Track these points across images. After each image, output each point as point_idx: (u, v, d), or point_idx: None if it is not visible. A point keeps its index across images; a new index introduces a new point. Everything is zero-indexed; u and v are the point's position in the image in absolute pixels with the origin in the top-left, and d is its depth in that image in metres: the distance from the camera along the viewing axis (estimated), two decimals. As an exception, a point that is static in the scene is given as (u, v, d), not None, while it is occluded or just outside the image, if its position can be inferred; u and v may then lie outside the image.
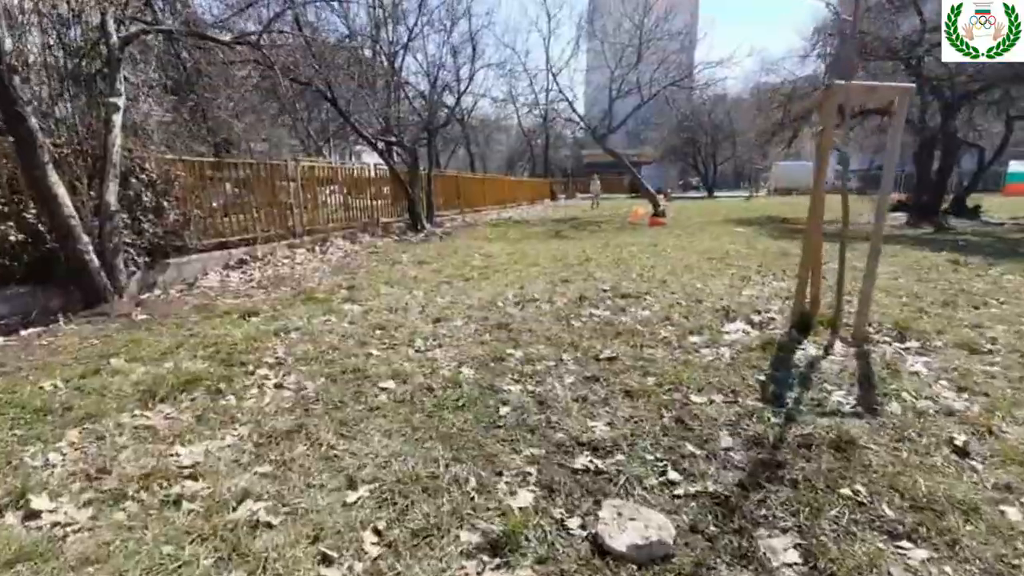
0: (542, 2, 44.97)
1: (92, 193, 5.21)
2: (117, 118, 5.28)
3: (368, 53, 17.24)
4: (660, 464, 2.16)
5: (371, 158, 14.74)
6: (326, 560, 1.66)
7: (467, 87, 16.29)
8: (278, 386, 3.08)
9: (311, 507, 1.92)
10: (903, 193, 18.68)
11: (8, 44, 4.28)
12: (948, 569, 1.58)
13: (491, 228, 13.96)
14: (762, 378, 3.00)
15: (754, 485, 2.01)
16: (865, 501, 1.91)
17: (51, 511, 1.96)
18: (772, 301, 4.70)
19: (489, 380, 3.05)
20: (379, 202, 12.59)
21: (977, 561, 1.61)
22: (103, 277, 4.93)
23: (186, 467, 2.22)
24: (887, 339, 3.69)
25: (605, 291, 5.27)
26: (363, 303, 5.07)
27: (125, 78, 5.55)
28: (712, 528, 1.78)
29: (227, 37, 6.28)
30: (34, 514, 1.94)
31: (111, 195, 5.15)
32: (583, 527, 1.79)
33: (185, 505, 1.96)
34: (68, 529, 1.86)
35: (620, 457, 2.21)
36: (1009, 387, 2.83)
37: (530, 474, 2.11)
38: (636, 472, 2.09)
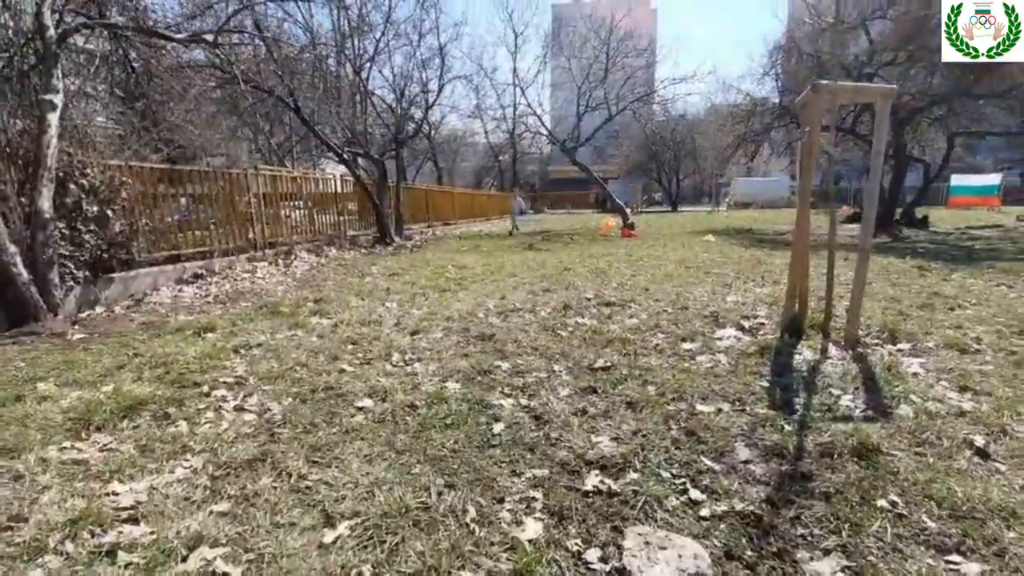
0: (507, 19, 45.87)
1: (23, 200, 4.71)
2: (53, 117, 4.81)
3: (333, 64, 16.88)
4: (678, 482, 1.94)
5: (337, 172, 14.30)
6: (301, 617, 1.36)
7: (435, 99, 16.12)
8: (238, 408, 2.73)
9: (280, 551, 1.60)
10: (855, 207, 19.53)
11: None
12: (1012, 588, 1.41)
13: (462, 240, 13.70)
14: (766, 384, 2.85)
15: (784, 501, 1.81)
16: (904, 513, 1.74)
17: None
18: (758, 307, 4.61)
19: (478, 395, 2.78)
20: (346, 215, 12.18)
21: (995, 534, 1.45)
22: (34, 292, 4.42)
23: (125, 508, 1.87)
24: (878, 341, 3.62)
25: (588, 300, 5.09)
26: (332, 316, 4.71)
27: (64, 76, 5.08)
28: (749, 553, 1.57)
29: (181, 36, 5.86)
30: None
31: (44, 201, 4.66)
32: (604, 560, 1.55)
33: (122, 556, 1.61)
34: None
35: (634, 476, 1.98)
36: (1006, 386, 2.76)
37: (535, 499, 1.85)
38: (654, 492, 1.87)
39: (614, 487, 1.91)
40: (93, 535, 1.74)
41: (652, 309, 4.65)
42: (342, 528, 1.71)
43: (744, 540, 1.63)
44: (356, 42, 18.77)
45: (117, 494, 1.96)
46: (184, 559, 1.59)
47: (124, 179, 5.98)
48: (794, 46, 14.09)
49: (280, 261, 8.51)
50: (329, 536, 1.67)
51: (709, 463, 2.07)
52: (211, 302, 5.79)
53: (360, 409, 2.66)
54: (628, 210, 17.91)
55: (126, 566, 1.57)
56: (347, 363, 3.38)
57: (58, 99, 4.91)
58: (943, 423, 2.34)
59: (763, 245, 10.32)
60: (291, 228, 9.93)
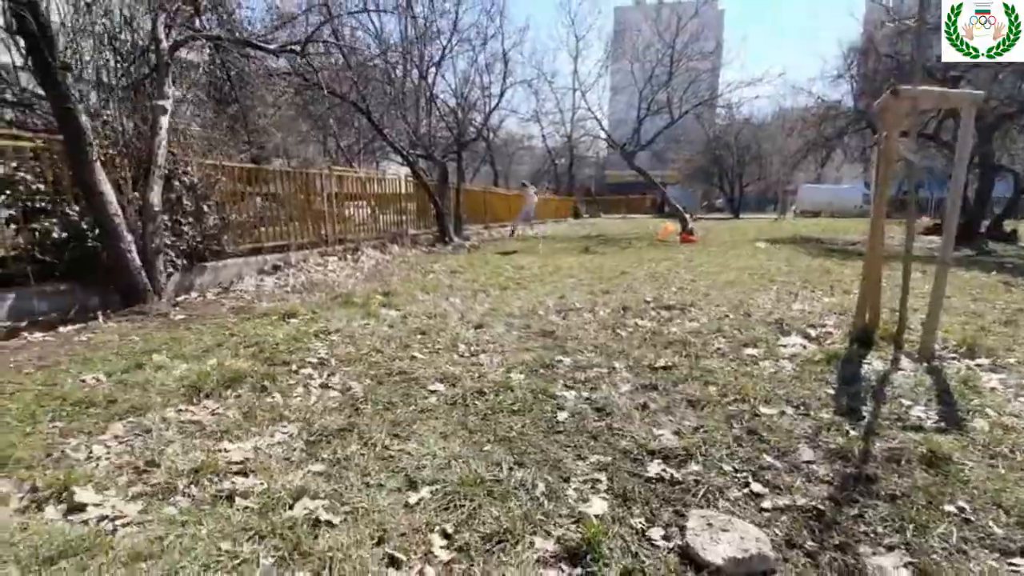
0: (570, 25, 45.88)
1: (136, 194, 5.28)
2: (164, 121, 5.38)
3: (399, 70, 17.58)
4: (740, 475, 2.01)
5: (399, 172, 14.94)
6: (394, 563, 1.55)
7: (497, 104, 16.49)
8: (324, 386, 3.01)
9: (371, 507, 1.81)
10: (936, 217, 18.20)
11: (61, 41, 4.38)
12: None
13: (518, 242, 13.92)
14: (832, 391, 2.83)
15: (847, 500, 1.84)
16: (971, 518, 1.74)
17: (97, 504, 1.88)
18: (826, 316, 4.50)
19: (541, 385, 2.93)
20: (408, 215, 12.67)
21: None
22: (143, 277, 4.96)
23: (236, 463, 2.14)
24: (954, 355, 3.47)
25: (647, 302, 5.12)
26: (400, 308, 5.00)
27: (172, 83, 5.66)
28: (810, 543, 1.62)
29: (273, 47, 6.41)
30: (79, 507, 1.86)
31: (155, 196, 5.22)
32: (666, 538, 1.65)
33: (239, 501, 1.87)
34: (117, 523, 1.78)
35: (695, 467, 2.06)
36: (1102, 407, 2.61)
37: (600, 481, 1.97)
38: (716, 483, 1.94)
39: (676, 475, 2.00)
40: (212, 483, 2.01)
41: (713, 314, 4.64)
42: (424, 492, 1.89)
43: (805, 532, 1.68)
44: (422, 48, 19.45)
45: (228, 451, 2.25)
46: (291, 507, 1.82)
47: (218, 177, 6.57)
48: (871, 47, 13.37)
49: (348, 256, 9.00)
50: (413, 497, 1.86)
51: (771, 460, 2.12)
52: (289, 291, 6.25)
53: (432, 392, 2.87)
54: (687, 216, 17.58)
55: (243, 509, 1.82)
56: (417, 351, 3.61)
57: (168, 104, 5.49)
58: (1019, 437, 2.27)
59: (832, 255, 9.88)
60: (357, 226, 10.47)
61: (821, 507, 1.80)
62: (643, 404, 2.68)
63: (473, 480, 1.95)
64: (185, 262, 6.02)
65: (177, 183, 5.86)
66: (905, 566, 1.53)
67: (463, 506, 1.80)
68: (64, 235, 4.82)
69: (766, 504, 1.82)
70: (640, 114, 18.37)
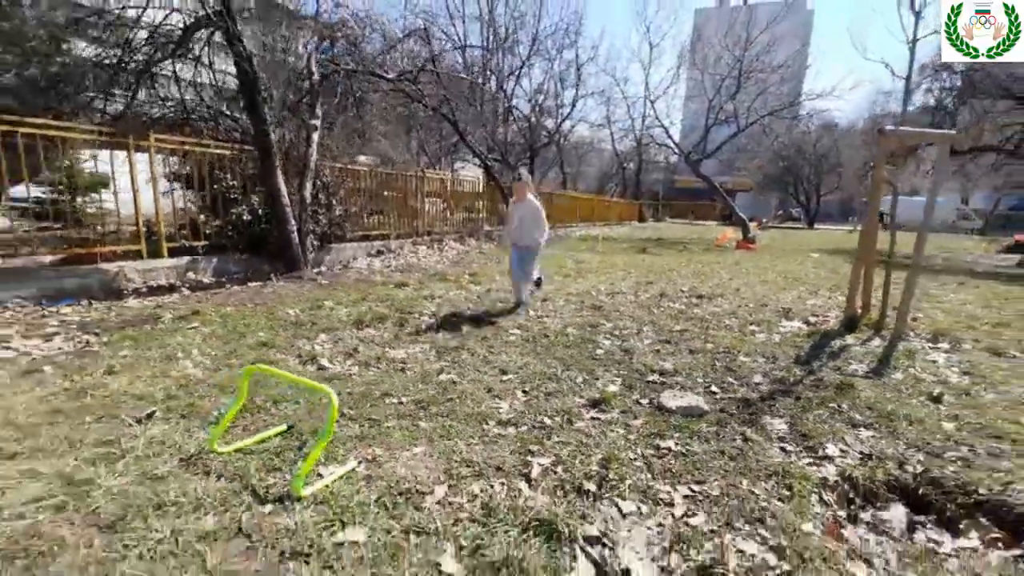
0: (645, 32, 46.38)
1: (292, 190, 7.05)
2: (315, 135, 7.12)
3: (480, 80, 19.24)
4: (705, 383, 3.20)
5: (470, 173, 16.60)
6: (496, 398, 2.90)
7: (569, 113, 17.73)
8: (439, 327, 4.44)
9: (481, 379, 3.18)
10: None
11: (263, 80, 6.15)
12: (883, 443, 2.49)
13: (581, 241, 15.11)
14: (801, 353, 3.90)
15: (769, 398, 3.00)
16: (844, 410, 2.83)
17: (332, 367, 3.37)
18: (832, 310, 5.43)
19: (587, 335, 4.21)
20: (484, 213, 14.23)
21: (903, 443, 2.51)
22: (299, 252, 6.70)
23: (399, 360, 3.58)
24: (920, 338, 4.37)
25: (683, 292, 6.24)
26: (483, 284, 6.42)
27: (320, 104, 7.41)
28: (734, 410, 2.81)
29: (391, 75, 8.10)
30: (324, 367, 3.37)
31: (307, 192, 6.97)
32: (649, 402, 2.89)
33: (407, 372, 3.29)
34: (349, 373, 3.26)
35: (679, 378, 3.28)
36: (1011, 376, 3.49)
37: (617, 380, 3.24)
38: (687, 384, 3.16)
39: (665, 380, 3.23)
40: (389, 364, 3.45)
41: (736, 303, 5.69)
42: (510, 375, 3.24)
43: (734, 407, 2.86)
44: (500, 58, 21.04)
45: (391, 352, 3.70)
46: (437, 375, 3.22)
47: (344, 178, 8.32)
48: (944, 63, 13.36)
49: (435, 245, 10.63)
50: (505, 377, 3.21)
51: (731, 380, 3.29)
52: (393, 270, 7.86)
53: (512, 334, 4.22)
54: (753, 224, 17.99)
55: (411, 373, 3.24)
56: (502, 310, 4.99)
57: (317, 122, 7.23)
58: (922, 385, 3.27)
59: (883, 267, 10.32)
60: (441, 221, 12.12)
61: (748, 399, 2.97)
62: (657, 350, 3.90)
63: (539, 373, 3.28)
64: (319, 243, 7.78)
65: (318, 182, 7.62)
66: (786, 424, 2.68)
67: (533, 382, 3.13)
68: (248, 219, 6.64)
69: (716, 394, 3.02)
70: (708, 123, 18.95)
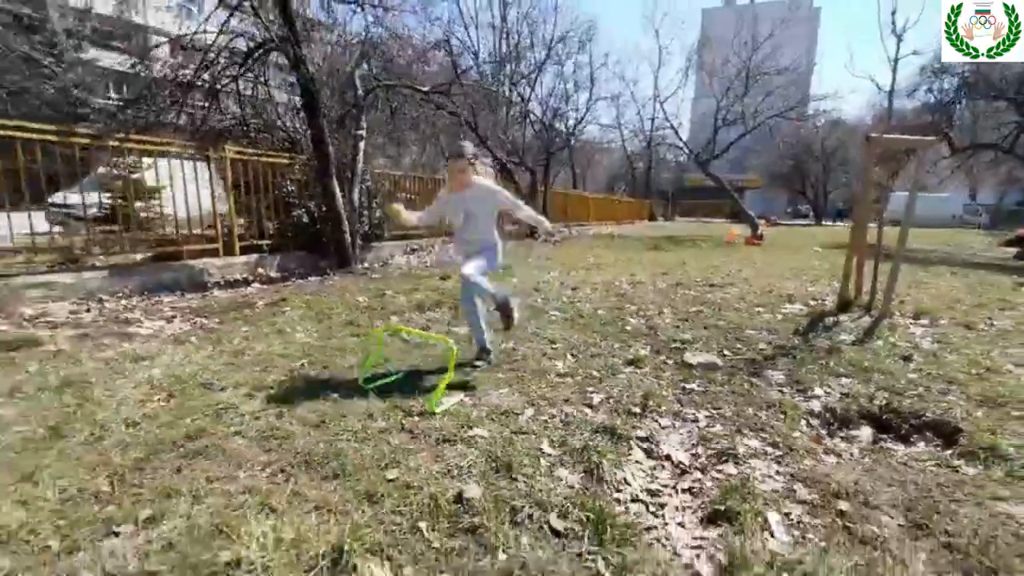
0: (654, 36, 46.94)
1: (343, 195, 7.85)
2: (361, 145, 7.92)
3: (495, 87, 20.01)
4: (719, 348, 3.93)
5: (487, 178, 17.37)
6: (552, 360, 3.64)
7: (583, 117, 18.53)
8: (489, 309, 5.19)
9: (535, 348, 3.93)
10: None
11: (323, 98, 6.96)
12: (859, 387, 3.21)
13: (596, 239, 15.84)
14: (799, 328, 4.61)
15: (770, 358, 3.72)
16: (830, 366, 3.54)
17: (414, 336, 4.13)
18: (830, 296, 6.12)
19: (617, 316, 4.95)
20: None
21: (873, 386, 3.22)
22: (349, 249, 7.49)
23: (463, 334, 4.34)
24: (904, 316, 5.06)
25: (697, 282, 6.96)
26: (516, 277, 7.18)
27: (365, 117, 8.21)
28: (742, 366, 3.54)
29: (425, 87, 8.91)
30: (405, 341, 4.13)
31: (355, 196, 7.76)
32: (675, 362, 3.63)
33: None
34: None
35: (697, 345, 4.01)
36: (977, 345, 4.17)
37: (646, 347, 3.97)
38: (705, 349, 3.89)
39: (686, 347, 3.96)
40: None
41: (744, 290, 6.40)
42: (558, 345, 3.99)
43: (743, 364, 3.59)
44: (513, 64, 21.79)
45: (456, 329, 4.45)
46: (499, 344, 3.97)
47: (383, 182, 9.12)
48: (942, 64, 13.95)
49: (462, 245, 11.40)
50: (553, 346, 3.96)
51: (739, 346, 4.01)
52: (428, 266, 8.64)
53: (552, 315, 4.97)
54: (761, 221, 18.60)
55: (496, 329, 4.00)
56: (539, 297, 5.74)
57: (363, 133, 8.03)
58: (897, 350, 3.98)
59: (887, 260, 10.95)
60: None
61: (754, 359, 3.70)
62: (676, 326, 4.63)
63: (581, 342, 4.03)
64: (362, 242, 8.57)
65: (363, 187, 8.42)
66: (783, 375, 3.41)
67: (578, 348, 3.88)
68: (305, 221, 7.45)
69: (727, 356, 3.75)
70: (716, 124, 19.61)
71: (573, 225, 20.16)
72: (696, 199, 44.18)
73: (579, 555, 1.64)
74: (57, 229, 7.37)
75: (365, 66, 8.76)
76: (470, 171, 3.37)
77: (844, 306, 5.33)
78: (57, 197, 7.45)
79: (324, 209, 7.41)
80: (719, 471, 2.21)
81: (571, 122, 19.74)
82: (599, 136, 35.78)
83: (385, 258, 9.18)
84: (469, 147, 3.44)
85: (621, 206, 28.58)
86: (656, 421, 2.66)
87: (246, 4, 6.91)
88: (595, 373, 3.37)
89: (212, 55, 7.12)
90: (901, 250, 5.02)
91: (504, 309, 3.32)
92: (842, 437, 2.68)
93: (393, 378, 3.11)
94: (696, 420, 2.70)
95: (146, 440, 2.23)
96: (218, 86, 7.10)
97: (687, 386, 3.15)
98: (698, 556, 1.68)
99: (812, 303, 5.71)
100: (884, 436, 2.74)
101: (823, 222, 34.40)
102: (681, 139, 22.43)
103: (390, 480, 1.97)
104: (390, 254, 9.42)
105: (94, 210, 7.08)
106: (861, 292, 5.51)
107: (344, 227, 7.31)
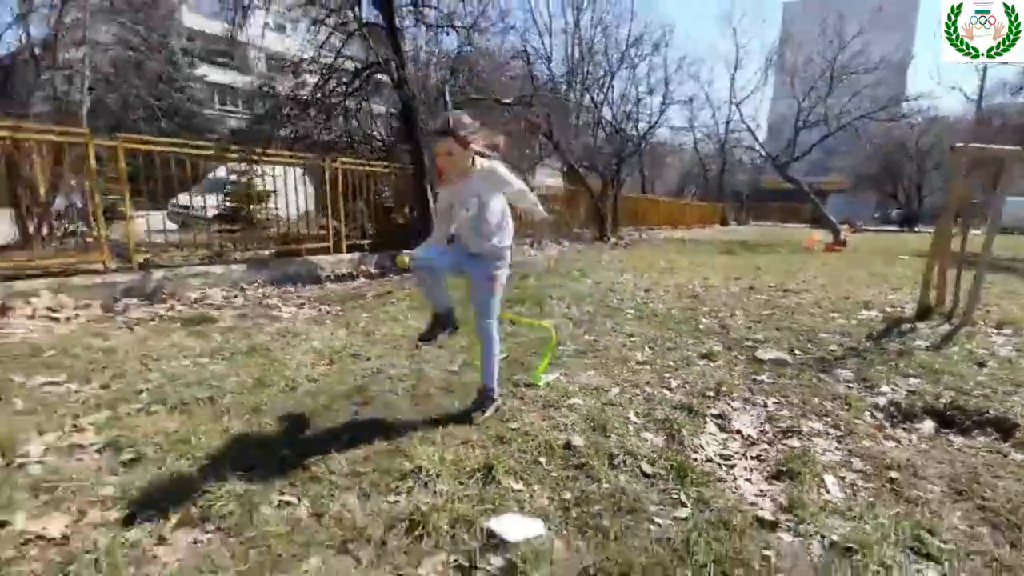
0: (732, 35, 45.42)
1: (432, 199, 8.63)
2: (451, 154, 8.67)
3: (565, 90, 20.45)
4: (790, 347, 4.22)
5: (550, 180, 17.89)
6: (631, 351, 4.10)
7: (656, 122, 18.61)
8: (569, 306, 5.71)
9: (615, 340, 4.39)
10: None
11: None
12: (926, 386, 3.42)
13: (667, 243, 15.93)
14: (873, 332, 4.77)
15: (840, 358, 3.97)
16: (900, 367, 3.75)
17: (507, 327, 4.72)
18: (910, 304, 6.11)
19: (690, 316, 5.31)
20: (573, 216, 15.47)
21: (941, 386, 3.42)
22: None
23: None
24: (988, 325, 5.04)
25: (770, 286, 7.12)
26: (590, 277, 7.65)
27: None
28: (811, 363, 3.83)
29: (508, 100, 9.58)
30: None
31: (445, 201, 8.53)
32: (747, 357, 3.97)
33: (560, 333, 4.58)
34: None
35: (769, 344, 4.32)
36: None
37: (719, 344, 4.33)
38: (774, 348, 4.20)
39: (757, 345, 4.28)
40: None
41: (819, 296, 6.50)
42: (636, 338, 4.43)
43: (811, 362, 3.88)
44: (585, 70, 22.13)
45: (543, 321, 5.00)
46: (582, 336, 4.48)
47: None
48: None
49: (536, 245, 11.99)
50: (631, 339, 4.41)
51: (811, 347, 4.28)
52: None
53: (628, 313, 5.40)
54: (844, 227, 17.84)
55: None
56: (614, 297, 6.18)
57: (452, 143, 8.77)
58: (972, 356, 4.08)
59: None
60: (537, 224, 13.46)
61: (824, 358, 3.97)
62: (749, 326, 4.93)
63: (657, 337, 4.45)
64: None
65: (449, 192, 9.19)
66: (852, 373, 3.67)
67: (655, 342, 4.31)
68: (400, 222, 8.30)
69: (797, 355, 4.04)
70: (796, 126, 18.98)
71: (642, 229, 20.24)
72: (773, 202, 42.35)
73: (665, 490, 2.13)
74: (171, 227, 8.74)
75: (453, 80, 9.53)
76: (462, 154, 2.41)
77: (923, 314, 5.37)
78: (181, 199, 8.77)
79: (416, 212, 8.22)
80: (784, 444, 2.61)
81: (642, 125, 19.84)
82: (670, 138, 35.28)
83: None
84: (462, 118, 2.42)
85: (692, 209, 28.13)
86: (728, 404, 3.07)
87: (355, 31, 7.83)
88: (671, 363, 3.79)
89: (325, 76, 8.13)
90: (986, 257, 5.02)
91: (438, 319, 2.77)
92: (904, 428, 2.96)
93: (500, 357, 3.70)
94: (765, 405, 3.08)
95: (326, 391, 2.94)
96: (331, 102, 8.07)
97: (757, 378, 3.51)
98: (762, 499, 2.11)
99: (890, 310, 5.77)
100: (946, 430, 2.99)
101: (916, 228, 31.96)
102: (758, 141, 21.84)
103: (513, 429, 2.54)
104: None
105: (213, 211, 8.31)
106: (944, 301, 5.51)
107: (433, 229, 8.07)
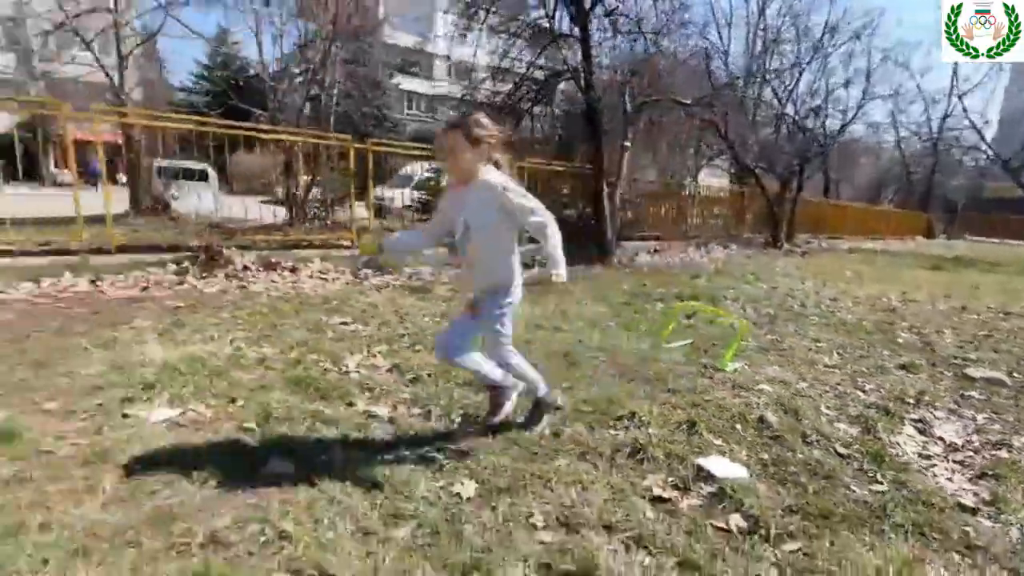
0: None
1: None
2: (627, 154, 9.06)
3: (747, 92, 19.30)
4: (1008, 370, 3.86)
5: (715, 180, 17.01)
6: (817, 354, 4.12)
7: (852, 119, 16.74)
8: (743, 307, 5.75)
9: (800, 343, 4.42)
10: None
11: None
12: None
13: (851, 254, 14.35)
14: None
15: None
16: None
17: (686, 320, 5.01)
18: None
19: (886, 328, 5.03)
20: (744, 220, 14.76)
21: None
22: (611, 244, 8.72)
23: (729, 323, 5.04)
24: None
25: (990, 307, 6.28)
26: (766, 283, 7.46)
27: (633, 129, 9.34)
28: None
29: (688, 100, 9.67)
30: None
31: (617, 199, 8.95)
32: (954, 373, 3.75)
33: (738, 331, 4.73)
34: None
35: (983, 364, 3.99)
36: None
37: (920, 359, 4.10)
38: (990, 368, 3.87)
39: (967, 364, 3.98)
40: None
41: (1057, 323, 5.60)
42: (823, 343, 4.40)
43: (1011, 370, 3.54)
44: (768, 63, 20.58)
45: (722, 318, 5.17)
46: (764, 335, 4.58)
47: (639, 189, 10.16)
48: None
49: (701, 248, 11.81)
50: (818, 344, 4.39)
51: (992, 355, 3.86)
52: (668, 266, 9.36)
53: (813, 318, 5.29)
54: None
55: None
56: (794, 303, 6.05)
57: (628, 143, 9.16)
58: None
59: None
60: (701, 226, 13.19)
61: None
62: (959, 346, 4.54)
63: (847, 344, 4.37)
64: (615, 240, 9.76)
65: (620, 192, 9.59)
66: (1006, 372, 3.30)
67: (844, 349, 4.25)
68: (575, 218, 8.93)
69: (1017, 377, 3.70)
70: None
71: (823, 237, 18.40)
72: (999, 213, 34.82)
73: (860, 469, 2.33)
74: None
75: (635, 81, 9.87)
76: (468, 152, 2.09)
77: None
78: (377, 192, 10.43)
79: (590, 209, 8.77)
80: (992, 454, 2.58)
81: (831, 122, 17.93)
82: (865, 136, 30.98)
83: (631, 255, 10.21)
84: (480, 118, 2.15)
85: (888, 218, 24.57)
86: (931, 412, 3.05)
87: (550, 42, 8.60)
88: (864, 370, 3.77)
89: (517, 84, 9.06)
90: None
91: (497, 394, 2.45)
92: None
93: (684, 344, 4.05)
94: (973, 419, 2.99)
95: (539, 350, 3.60)
96: (520, 107, 8.98)
97: (966, 393, 3.36)
98: (963, 493, 2.21)
99: None
100: None
101: None
102: (985, 140, 18.33)
103: (707, 400, 2.91)
104: (635, 252, 10.43)
105: (408, 202, 9.75)
106: None
107: (606, 226, 8.56)
